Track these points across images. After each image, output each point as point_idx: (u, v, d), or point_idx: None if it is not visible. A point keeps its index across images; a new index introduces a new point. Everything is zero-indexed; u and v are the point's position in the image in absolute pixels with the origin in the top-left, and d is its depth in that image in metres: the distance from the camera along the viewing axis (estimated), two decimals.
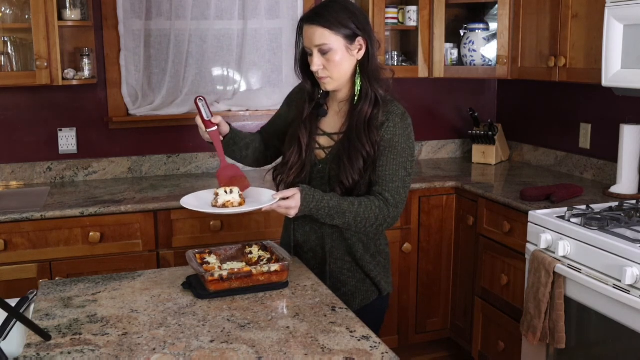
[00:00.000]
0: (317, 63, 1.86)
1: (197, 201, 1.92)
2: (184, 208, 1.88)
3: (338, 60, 1.86)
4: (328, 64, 1.86)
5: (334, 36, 1.84)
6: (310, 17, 1.86)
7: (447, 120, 3.99)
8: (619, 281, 2.09)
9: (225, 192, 1.84)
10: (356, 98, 1.92)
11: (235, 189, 1.85)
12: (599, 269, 2.20)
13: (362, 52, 1.90)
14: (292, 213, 1.83)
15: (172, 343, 1.44)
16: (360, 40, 1.88)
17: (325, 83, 1.90)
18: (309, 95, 2.00)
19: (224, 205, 1.83)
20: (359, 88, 1.91)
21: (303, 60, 1.96)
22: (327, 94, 2.01)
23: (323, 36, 1.84)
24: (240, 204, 1.85)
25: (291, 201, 1.81)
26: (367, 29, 1.89)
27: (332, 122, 2.00)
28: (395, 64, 3.61)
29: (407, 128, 1.93)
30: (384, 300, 2.09)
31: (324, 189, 1.92)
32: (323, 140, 2.00)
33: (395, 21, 3.53)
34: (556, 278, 2.34)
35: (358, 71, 1.91)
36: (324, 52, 1.85)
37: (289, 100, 2.14)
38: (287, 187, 1.97)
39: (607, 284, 2.15)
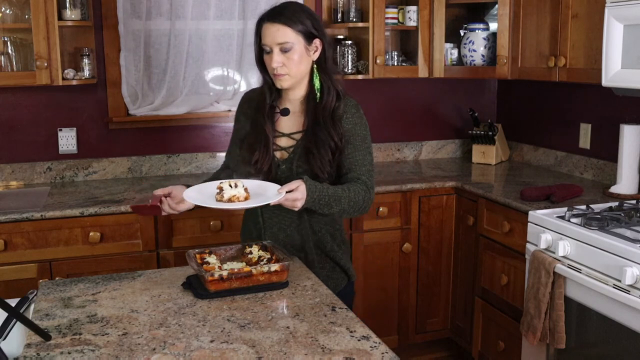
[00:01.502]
0: (277, 60, 1.92)
1: (200, 195, 1.88)
2: None
3: (297, 58, 1.93)
4: (287, 62, 1.93)
5: (295, 35, 1.92)
6: (274, 16, 1.92)
7: (447, 120, 3.99)
8: (619, 281, 2.09)
9: (230, 186, 1.81)
10: (318, 95, 1.99)
11: (240, 182, 1.83)
12: (599, 269, 2.20)
13: (317, 54, 1.98)
14: (299, 205, 1.84)
15: (172, 343, 1.44)
16: (316, 42, 1.97)
17: (282, 80, 1.95)
18: (269, 89, 2.03)
19: (230, 200, 1.80)
20: (318, 86, 1.99)
21: (259, 58, 2.01)
22: (279, 96, 2.06)
23: (285, 35, 1.91)
24: (246, 199, 1.82)
25: (297, 193, 1.83)
26: (323, 32, 1.99)
27: (290, 122, 2.05)
28: (395, 64, 3.61)
29: (363, 117, 2.05)
30: (352, 287, 2.18)
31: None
32: (283, 142, 2.04)
33: (395, 21, 3.53)
34: (556, 278, 2.34)
35: (316, 70, 1.99)
36: (284, 50, 1.92)
37: (239, 117, 2.14)
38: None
39: (607, 284, 2.15)
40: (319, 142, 1.95)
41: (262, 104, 2.04)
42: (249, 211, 2.13)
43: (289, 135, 2.04)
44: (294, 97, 2.04)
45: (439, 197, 3.28)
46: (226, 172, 2.15)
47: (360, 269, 3.19)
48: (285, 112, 2.02)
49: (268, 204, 1.82)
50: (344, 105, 2.01)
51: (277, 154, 2.02)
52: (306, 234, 2.05)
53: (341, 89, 2.01)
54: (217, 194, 1.82)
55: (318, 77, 1.99)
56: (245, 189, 1.82)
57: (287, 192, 1.82)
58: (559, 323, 2.33)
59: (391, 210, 3.20)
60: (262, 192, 1.88)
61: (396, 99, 3.87)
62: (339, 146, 1.97)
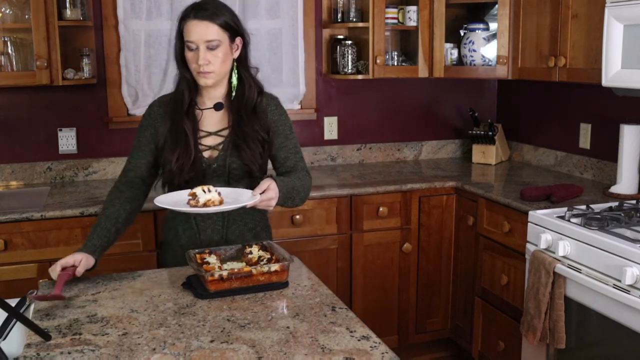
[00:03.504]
0: (204, 57, 1.91)
1: (172, 201, 1.88)
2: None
3: (222, 56, 1.94)
4: (214, 60, 1.93)
5: (222, 33, 1.94)
6: (201, 13, 1.93)
7: (447, 120, 3.99)
8: (619, 281, 2.09)
9: (204, 191, 1.81)
10: (233, 92, 2.02)
11: (213, 188, 1.83)
12: (599, 269, 2.20)
13: (238, 52, 2.01)
14: (273, 203, 1.89)
15: (172, 343, 1.44)
16: (237, 40, 1.99)
17: (208, 78, 1.95)
18: (188, 87, 2.00)
19: (205, 205, 1.80)
20: (235, 83, 2.02)
21: (180, 55, 2.00)
22: (199, 94, 2.04)
23: (214, 32, 1.92)
24: (220, 203, 1.82)
25: (271, 192, 1.86)
26: (244, 31, 2.02)
27: (213, 120, 2.04)
28: (395, 64, 3.61)
29: (284, 109, 2.13)
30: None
31: (221, 187, 1.98)
32: (210, 141, 2.03)
33: (395, 21, 3.53)
34: (556, 278, 2.34)
35: (236, 67, 2.01)
36: (212, 48, 1.92)
37: (152, 123, 2.06)
38: (179, 187, 1.97)
39: (607, 284, 2.15)
40: (247, 136, 1.99)
41: (180, 103, 2.00)
42: (180, 217, 2.09)
43: (215, 133, 2.03)
44: (216, 95, 2.04)
45: (439, 197, 3.28)
46: (135, 184, 2.06)
47: (360, 269, 3.19)
48: (219, 106, 2.02)
49: (244, 207, 1.83)
50: (266, 99, 2.07)
51: (206, 154, 2.01)
52: (240, 233, 2.08)
53: (261, 84, 2.07)
54: (193, 199, 1.81)
55: (237, 75, 2.01)
56: (219, 193, 1.83)
57: (260, 194, 1.84)
58: (559, 323, 2.33)
59: (391, 210, 3.20)
60: (237, 197, 1.89)
61: (396, 99, 3.87)
62: (266, 139, 2.02)
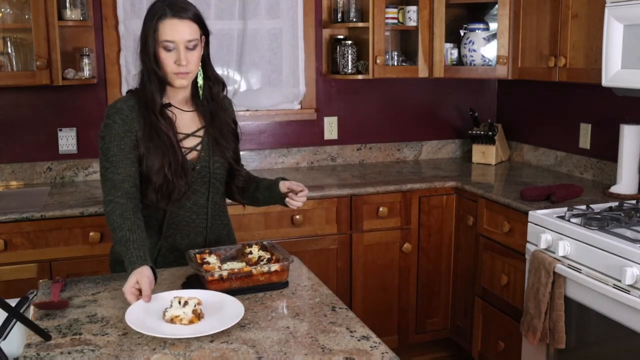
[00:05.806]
0: (185, 58, 1.84)
1: (144, 314, 1.55)
2: None
3: (198, 55, 1.90)
4: (192, 59, 1.87)
5: (198, 32, 1.89)
6: (181, 12, 1.86)
7: (447, 120, 3.99)
8: (619, 281, 2.09)
9: (179, 302, 1.54)
10: (200, 92, 1.98)
11: (192, 301, 1.54)
12: (599, 269, 2.20)
13: (203, 50, 1.95)
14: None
15: (172, 343, 1.44)
16: (203, 39, 1.95)
17: (185, 78, 1.89)
18: (160, 88, 1.89)
19: (171, 320, 1.52)
20: (201, 83, 1.97)
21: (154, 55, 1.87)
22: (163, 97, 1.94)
23: (194, 32, 1.87)
24: (192, 322, 1.51)
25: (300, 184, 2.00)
26: (208, 29, 1.96)
27: (185, 122, 1.97)
28: (395, 64, 3.61)
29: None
30: None
31: (205, 188, 1.98)
32: (188, 142, 1.96)
33: (395, 21, 3.53)
34: (556, 278, 2.34)
35: (201, 67, 1.96)
36: (191, 48, 1.86)
37: (124, 130, 1.86)
38: (172, 196, 1.88)
39: (607, 284, 2.15)
40: (223, 132, 2.00)
41: (152, 105, 1.87)
42: (154, 224, 1.97)
43: (192, 135, 1.97)
44: (184, 95, 1.97)
45: (439, 197, 3.28)
46: (132, 197, 1.84)
47: (360, 269, 3.19)
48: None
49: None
50: (226, 99, 2.09)
51: (188, 156, 1.93)
52: (218, 228, 2.09)
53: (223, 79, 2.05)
54: (167, 308, 1.55)
55: (202, 74, 1.97)
56: (196, 311, 1.53)
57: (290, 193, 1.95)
58: (559, 323, 2.33)
59: (391, 210, 3.20)
60: (220, 309, 1.58)
61: (396, 99, 3.87)
62: (236, 133, 2.06)
